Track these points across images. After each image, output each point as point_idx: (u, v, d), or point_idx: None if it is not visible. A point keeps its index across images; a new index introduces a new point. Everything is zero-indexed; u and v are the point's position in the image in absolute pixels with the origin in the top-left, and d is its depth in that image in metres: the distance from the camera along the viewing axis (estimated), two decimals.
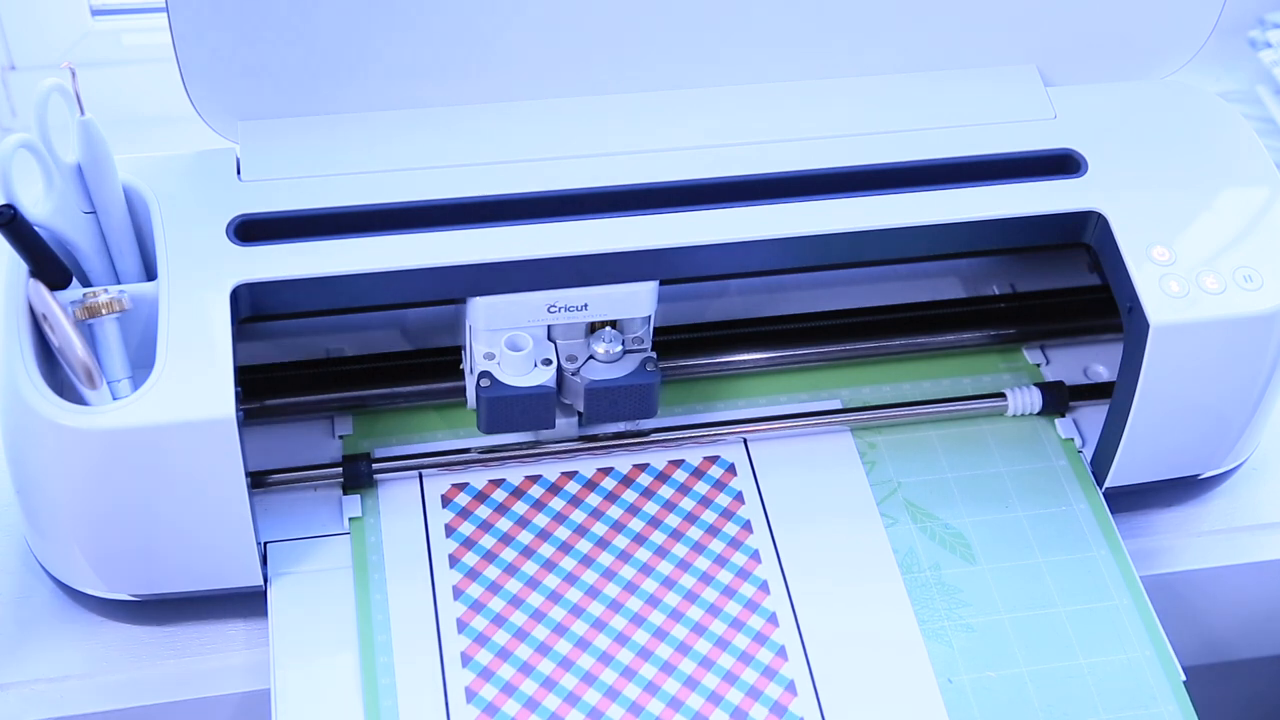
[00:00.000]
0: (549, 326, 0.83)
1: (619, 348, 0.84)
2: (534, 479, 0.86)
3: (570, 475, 0.87)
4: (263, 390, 0.86)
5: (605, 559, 0.83)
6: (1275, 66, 1.21)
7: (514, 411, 0.82)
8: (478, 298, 0.81)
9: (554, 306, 0.82)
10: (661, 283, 0.82)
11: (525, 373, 0.82)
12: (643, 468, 0.87)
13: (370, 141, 0.83)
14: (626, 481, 0.87)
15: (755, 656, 0.80)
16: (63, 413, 0.74)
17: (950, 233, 0.84)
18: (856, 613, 0.82)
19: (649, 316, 0.84)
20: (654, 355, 0.84)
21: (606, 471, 0.87)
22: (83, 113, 0.77)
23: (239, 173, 0.82)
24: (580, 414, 0.86)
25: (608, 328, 0.84)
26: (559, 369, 0.83)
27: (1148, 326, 0.80)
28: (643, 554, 0.84)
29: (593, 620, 0.81)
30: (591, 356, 0.84)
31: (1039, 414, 0.91)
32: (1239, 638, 0.95)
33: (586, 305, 0.82)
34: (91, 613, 0.83)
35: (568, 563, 0.83)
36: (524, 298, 0.81)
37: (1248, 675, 1.04)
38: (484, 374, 0.82)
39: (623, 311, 0.83)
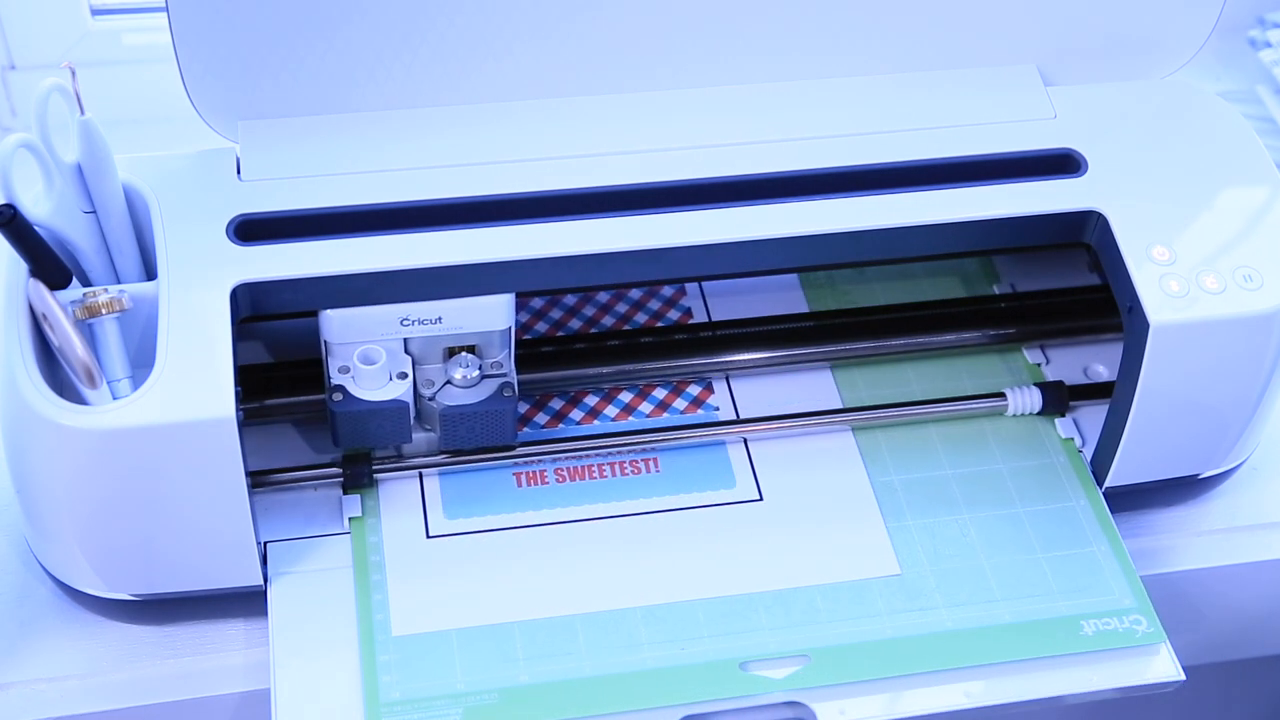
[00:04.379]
0: (405, 340, 0.82)
1: (476, 373, 0.83)
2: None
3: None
4: (263, 390, 0.86)
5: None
6: (1275, 66, 1.21)
7: (368, 425, 0.81)
8: (329, 310, 0.80)
9: (407, 320, 0.80)
10: (662, 283, 0.82)
11: (379, 386, 0.81)
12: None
13: (370, 141, 0.83)
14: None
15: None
16: (63, 413, 0.74)
17: (950, 233, 0.84)
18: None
19: (509, 340, 0.83)
20: (512, 381, 0.83)
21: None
22: (83, 112, 0.77)
23: (239, 172, 0.82)
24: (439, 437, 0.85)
25: (465, 353, 0.83)
26: (416, 394, 0.82)
27: (1148, 326, 0.80)
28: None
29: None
30: (449, 382, 0.83)
31: (1039, 414, 0.91)
32: (1239, 638, 0.95)
33: (440, 319, 0.81)
34: (91, 613, 0.83)
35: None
36: (375, 311, 0.80)
37: (1248, 675, 1.04)
38: (337, 388, 0.81)
39: (478, 325, 0.81)
